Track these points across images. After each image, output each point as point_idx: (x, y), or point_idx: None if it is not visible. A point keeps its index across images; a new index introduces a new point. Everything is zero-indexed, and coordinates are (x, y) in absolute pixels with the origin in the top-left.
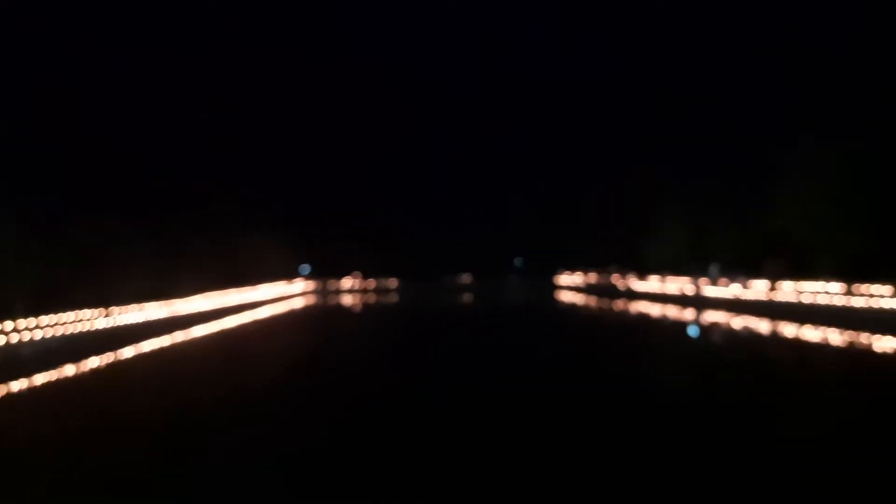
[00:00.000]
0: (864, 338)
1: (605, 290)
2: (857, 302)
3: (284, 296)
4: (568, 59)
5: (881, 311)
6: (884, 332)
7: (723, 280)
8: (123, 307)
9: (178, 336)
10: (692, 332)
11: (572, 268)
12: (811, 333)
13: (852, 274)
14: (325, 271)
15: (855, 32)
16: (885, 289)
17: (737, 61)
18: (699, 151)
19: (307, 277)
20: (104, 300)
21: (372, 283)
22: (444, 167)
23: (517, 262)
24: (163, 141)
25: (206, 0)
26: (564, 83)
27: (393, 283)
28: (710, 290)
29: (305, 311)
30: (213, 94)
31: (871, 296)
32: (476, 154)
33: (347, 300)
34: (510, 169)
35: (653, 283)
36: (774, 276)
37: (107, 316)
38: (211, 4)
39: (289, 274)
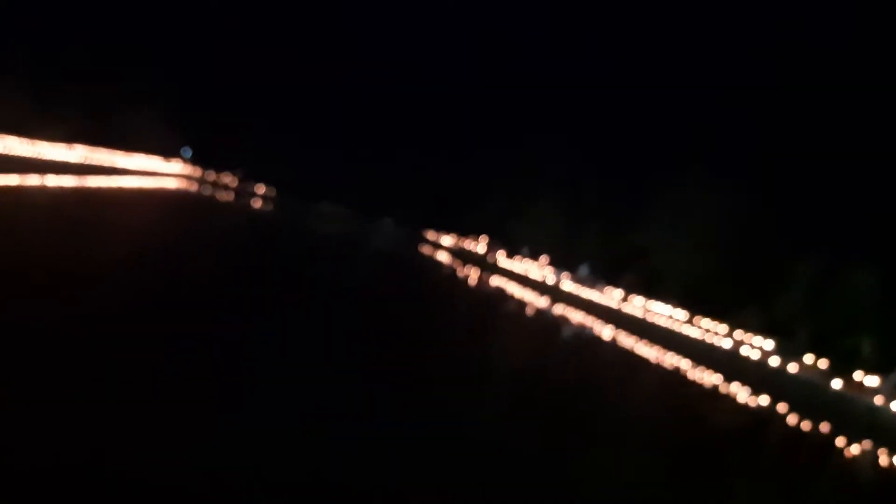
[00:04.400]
0: (685, 363)
1: (470, 257)
2: (694, 332)
3: (158, 172)
4: None
5: (711, 347)
6: (706, 364)
7: (584, 280)
8: None
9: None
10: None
11: (445, 229)
12: (640, 348)
13: (695, 300)
14: (206, 161)
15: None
16: (722, 327)
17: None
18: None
19: (186, 161)
20: None
21: (251, 187)
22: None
23: (396, 210)
24: None
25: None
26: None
27: (271, 192)
28: (568, 286)
29: (174, 192)
30: None
31: (708, 330)
32: (394, 98)
33: (222, 195)
34: (418, 118)
35: (518, 264)
36: (629, 289)
37: None
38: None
39: (167, 152)
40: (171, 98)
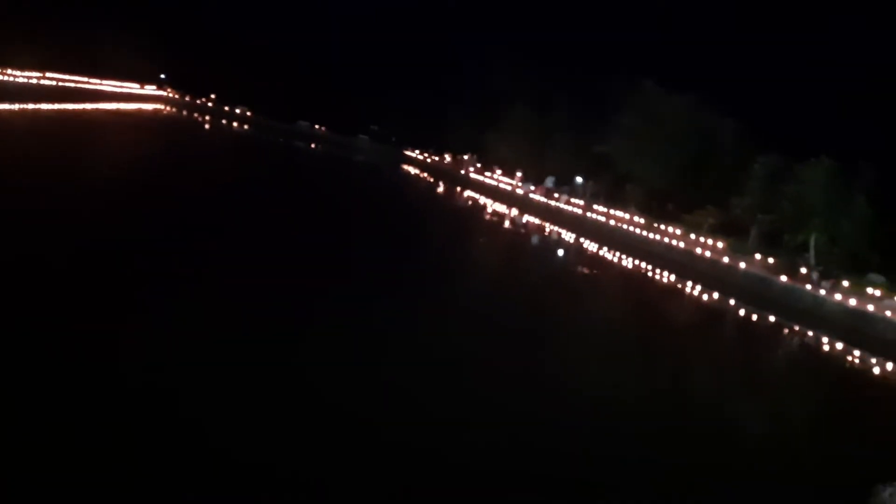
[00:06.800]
0: (642, 264)
1: (444, 173)
2: (652, 236)
3: (135, 95)
4: None
5: (668, 248)
6: (662, 264)
7: (551, 191)
8: None
9: None
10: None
11: (420, 146)
12: (600, 251)
13: (655, 206)
14: (183, 86)
15: None
16: (678, 230)
17: None
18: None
19: (162, 86)
20: None
21: (226, 108)
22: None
23: (373, 127)
24: None
25: None
26: None
27: (248, 113)
28: (536, 196)
29: (151, 114)
30: None
31: (665, 233)
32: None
33: (200, 117)
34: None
35: (490, 178)
36: (593, 198)
37: None
38: None
39: (143, 78)
40: (147, 24)
